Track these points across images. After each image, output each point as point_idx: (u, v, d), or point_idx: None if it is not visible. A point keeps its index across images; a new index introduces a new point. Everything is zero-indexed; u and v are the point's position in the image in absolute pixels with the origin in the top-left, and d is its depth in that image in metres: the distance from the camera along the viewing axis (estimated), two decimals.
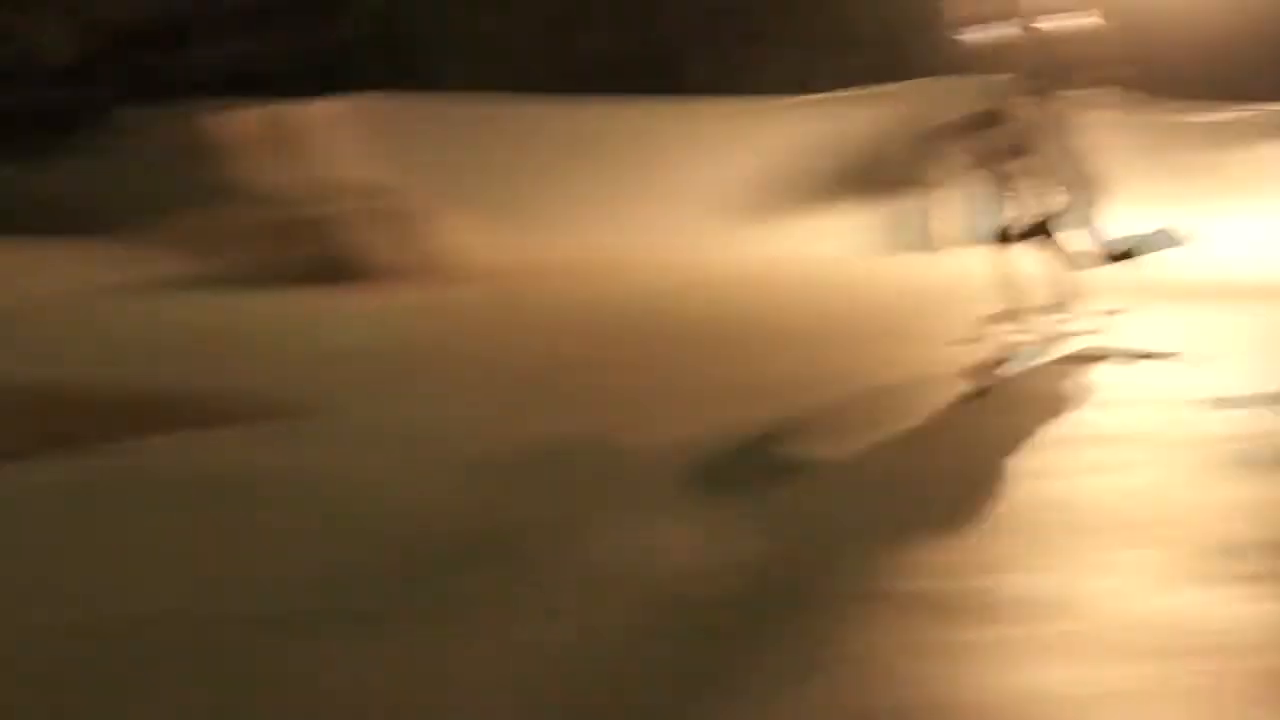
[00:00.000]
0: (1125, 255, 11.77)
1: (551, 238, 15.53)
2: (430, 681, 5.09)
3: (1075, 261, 11.61)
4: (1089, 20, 14.72)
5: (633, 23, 19.54)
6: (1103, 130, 14.55)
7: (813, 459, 8.20)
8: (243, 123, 16.63)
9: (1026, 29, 13.14)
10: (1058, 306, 11.55)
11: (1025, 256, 11.56)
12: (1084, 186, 11.71)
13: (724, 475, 7.88)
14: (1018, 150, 11.73)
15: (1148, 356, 10.69)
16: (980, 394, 9.80)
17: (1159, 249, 11.90)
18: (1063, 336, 11.21)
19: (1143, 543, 6.46)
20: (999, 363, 10.61)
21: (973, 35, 13.70)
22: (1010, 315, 11.46)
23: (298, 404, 9.19)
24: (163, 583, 6.10)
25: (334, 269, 13.90)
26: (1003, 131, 11.78)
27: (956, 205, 11.84)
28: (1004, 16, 13.24)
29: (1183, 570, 6.09)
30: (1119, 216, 11.75)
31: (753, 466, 8.06)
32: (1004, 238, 11.69)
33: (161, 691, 5.03)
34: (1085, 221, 11.67)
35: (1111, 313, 11.63)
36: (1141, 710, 4.81)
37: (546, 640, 5.47)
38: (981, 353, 10.80)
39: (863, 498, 7.42)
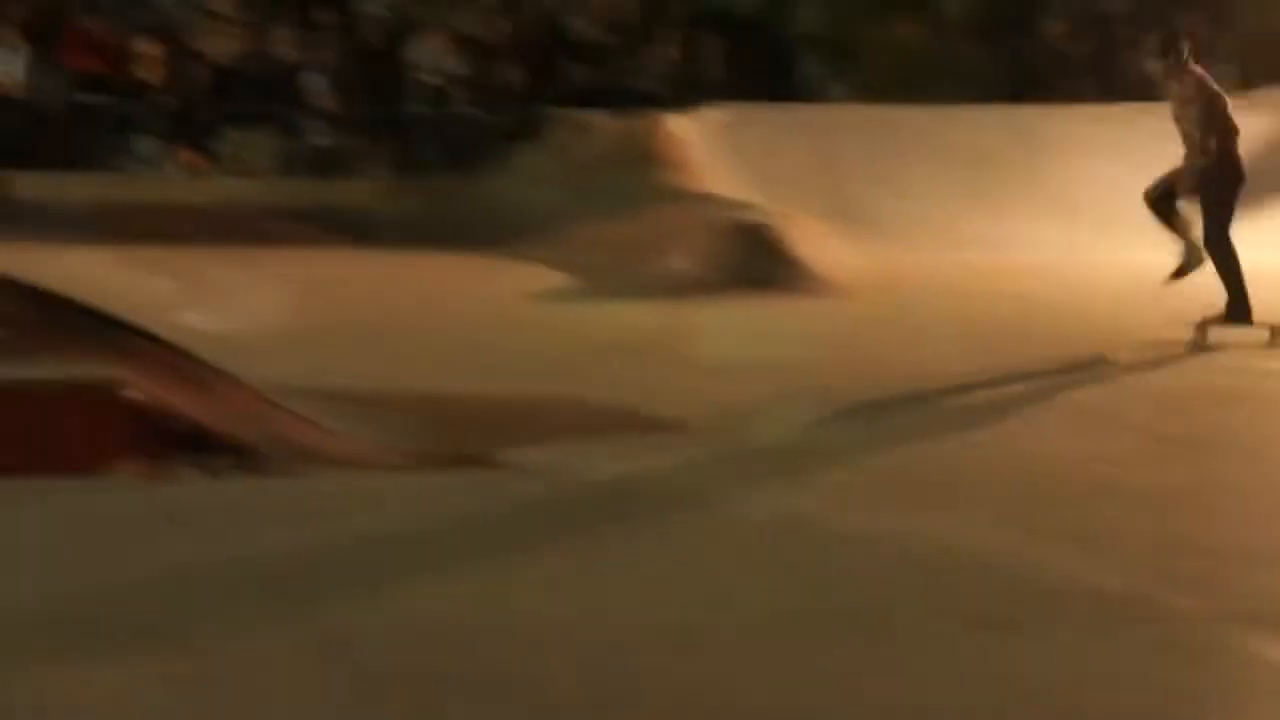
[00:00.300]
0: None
1: (926, 248, 15.52)
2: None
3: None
4: None
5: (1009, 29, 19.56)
6: None
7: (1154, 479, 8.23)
8: (640, 132, 17.12)
9: None
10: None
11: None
12: None
13: (1104, 493, 7.85)
14: None
15: None
16: None
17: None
18: None
19: None
20: None
21: None
22: None
23: (674, 416, 9.28)
24: (551, 591, 6.23)
25: (719, 280, 14.14)
26: None
27: None
28: None
29: None
30: None
31: (1115, 485, 8.02)
32: None
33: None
34: None
35: None
36: None
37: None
38: None
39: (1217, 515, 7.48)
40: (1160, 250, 12.37)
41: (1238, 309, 11.91)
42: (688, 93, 17.91)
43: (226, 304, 11.95)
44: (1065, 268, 15.25)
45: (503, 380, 10.41)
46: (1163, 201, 12.01)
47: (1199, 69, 12.09)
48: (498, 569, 6.56)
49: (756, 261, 14.45)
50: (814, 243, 14.90)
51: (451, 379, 10.35)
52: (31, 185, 16.45)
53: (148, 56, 17.55)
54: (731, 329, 12.38)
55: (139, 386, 7.92)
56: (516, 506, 7.54)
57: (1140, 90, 17.97)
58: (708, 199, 15.88)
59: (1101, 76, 19.01)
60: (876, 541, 6.96)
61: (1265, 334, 11.90)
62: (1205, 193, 11.83)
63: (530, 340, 12.11)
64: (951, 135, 17.30)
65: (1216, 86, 12.13)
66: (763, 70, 19.00)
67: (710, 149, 16.86)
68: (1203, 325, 11.96)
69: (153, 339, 8.48)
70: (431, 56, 18.20)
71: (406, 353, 11.41)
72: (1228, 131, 11.90)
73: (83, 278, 10.44)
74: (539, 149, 17.22)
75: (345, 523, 7.22)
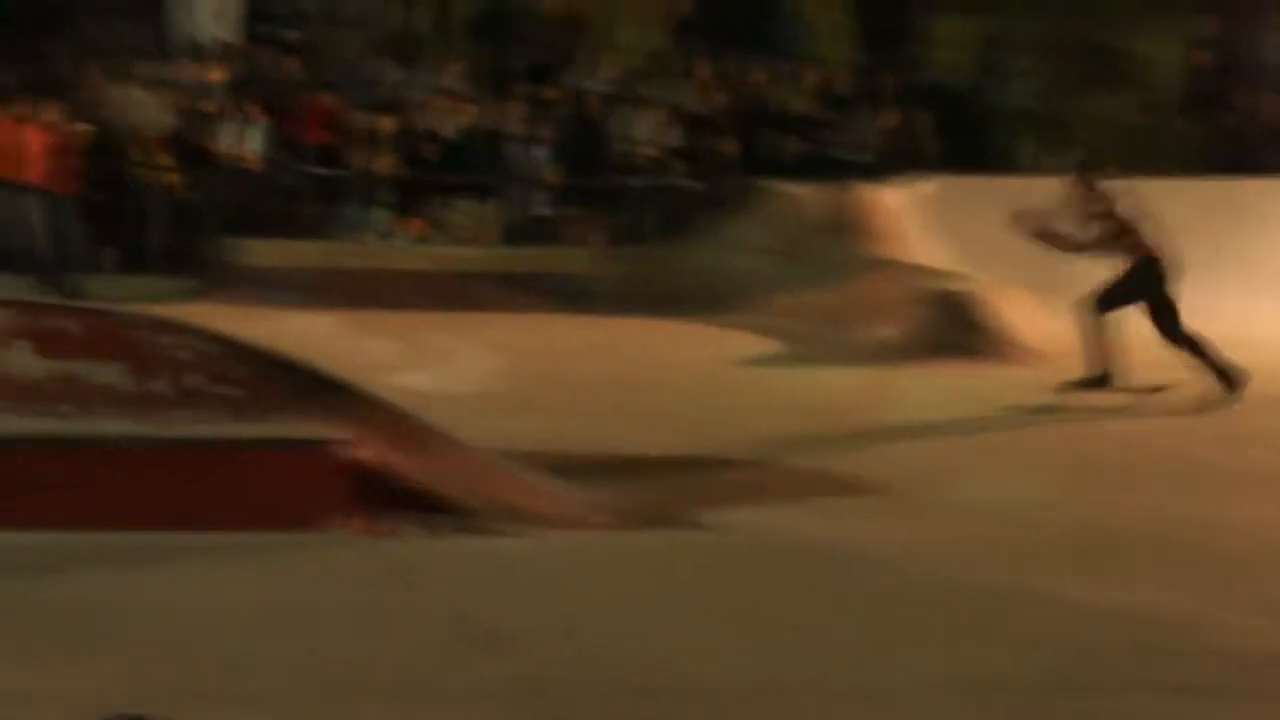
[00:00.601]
0: None
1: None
2: None
3: None
4: None
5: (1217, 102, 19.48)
6: None
7: None
8: (848, 203, 17.33)
9: None
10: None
11: None
12: None
13: None
14: None
15: None
16: None
17: None
18: None
19: None
20: None
21: None
22: None
23: (874, 480, 9.48)
24: (754, 650, 6.43)
25: (922, 347, 14.28)
26: None
27: None
28: None
29: None
30: None
31: None
32: None
33: None
34: None
35: None
36: None
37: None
38: None
39: None
40: None
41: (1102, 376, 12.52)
42: (897, 164, 18.09)
43: (446, 367, 12.35)
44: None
45: (708, 442, 10.63)
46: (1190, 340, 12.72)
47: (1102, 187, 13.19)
48: (696, 627, 6.78)
49: (959, 329, 14.56)
50: (1018, 312, 14.95)
51: (659, 441, 10.61)
52: (265, 253, 17.08)
53: (379, 130, 18.18)
54: (932, 395, 12.53)
55: (362, 445, 8.26)
56: (717, 566, 7.74)
57: None
58: (913, 268, 16.01)
59: None
60: (1076, 606, 7.07)
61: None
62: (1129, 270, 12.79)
63: (736, 404, 12.30)
64: (1159, 208, 17.23)
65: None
66: (973, 143, 19.10)
67: (918, 220, 16.98)
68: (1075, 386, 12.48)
69: (375, 400, 8.77)
70: (648, 129, 18.62)
71: (617, 415, 11.66)
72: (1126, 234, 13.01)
73: (310, 341, 10.80)
74: (749, 219, 17.47)
75: (555, 580, 7.49)
